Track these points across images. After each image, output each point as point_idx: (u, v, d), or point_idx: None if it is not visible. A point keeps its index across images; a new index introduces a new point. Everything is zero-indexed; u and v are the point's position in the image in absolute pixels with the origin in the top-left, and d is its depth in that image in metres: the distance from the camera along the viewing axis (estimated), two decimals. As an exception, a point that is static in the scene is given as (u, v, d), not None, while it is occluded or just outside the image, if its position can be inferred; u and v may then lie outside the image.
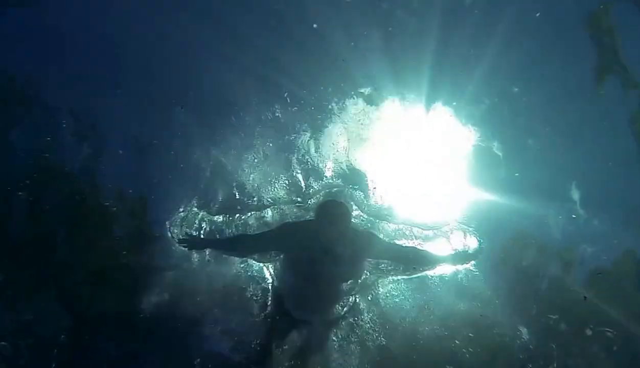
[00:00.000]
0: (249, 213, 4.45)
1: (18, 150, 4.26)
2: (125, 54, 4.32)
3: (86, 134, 4.35)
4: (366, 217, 4.53)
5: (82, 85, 4.34)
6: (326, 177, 4.50)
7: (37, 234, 4.23)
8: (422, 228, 4.53)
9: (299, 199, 4.48)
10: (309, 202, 4.48)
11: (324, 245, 3.52)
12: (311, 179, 4.50)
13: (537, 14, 4.49)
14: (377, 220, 4.52)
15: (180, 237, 4.20)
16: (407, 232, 4.54)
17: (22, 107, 4.32)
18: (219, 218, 4.43)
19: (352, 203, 4.46)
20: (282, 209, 4.50)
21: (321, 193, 4.51)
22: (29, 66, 4.34)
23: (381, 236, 4.24)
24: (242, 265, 4.48)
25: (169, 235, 4.34)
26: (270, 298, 4.42)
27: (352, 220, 3.80)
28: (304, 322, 4.25)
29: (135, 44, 4.28)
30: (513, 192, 4.61)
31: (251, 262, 4.46)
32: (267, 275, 4.48)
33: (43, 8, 4.36)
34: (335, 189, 4.54)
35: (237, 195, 4.46)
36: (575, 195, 4.72)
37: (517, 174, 4.64)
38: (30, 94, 4.32)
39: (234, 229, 4.42)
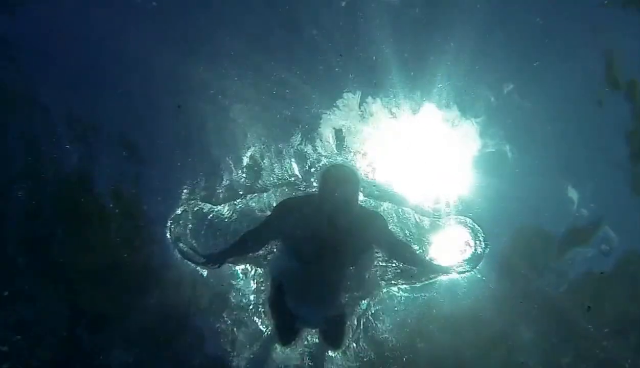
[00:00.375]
0: (249, 196, 4.34)
1: (16, 151, 4.24)
2: (120, 52, 4.28)
3: (84, 133, 4.33)
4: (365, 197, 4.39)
5: (78, 86, 4.34)
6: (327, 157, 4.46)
7: (35, 233, 4.22)
8: (420, 214, 4.46)
9: (298, 183, 4.37)
10: (309, 190, 4.35)
11: (329, 216, 3.07)
12: (310, 165, 4.41)
13: (538, 19, 4.48)
14: (377, 202, 4.39)
15: (184, 246, 4.07)
16: (406, 216, 4.47)
17: (20, 108, 4.31)
18: (220, 208, 4.34)
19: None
20: (281, 191, 4.36)
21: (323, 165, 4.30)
22: (26, 67, 4.32)
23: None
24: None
25: (168, 237, 4.25)
26: (269, 292, 4.05)
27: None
28: (303, 320, 3.89)
29: (131, 43, 4.26)
30: (516, 192, 4.62)
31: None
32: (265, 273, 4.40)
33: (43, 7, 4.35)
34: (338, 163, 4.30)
35: (236, 182, 4.38)
36: (579, 195, 4.73)
37: (517, 170, 4.63)
38: (27, 95, 4.31)
39: (235, 215, 4.30)
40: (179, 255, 4.21)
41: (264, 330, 4.46)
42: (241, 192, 4.34)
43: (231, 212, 4.30)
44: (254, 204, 4.32)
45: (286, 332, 3.99)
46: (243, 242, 3.62)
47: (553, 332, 4.69)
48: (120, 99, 4.29)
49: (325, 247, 3.19)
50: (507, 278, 4.69)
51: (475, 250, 4.45)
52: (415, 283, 4.42)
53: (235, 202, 4.31)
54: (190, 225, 4.24)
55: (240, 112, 4.31)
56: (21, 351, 4.12)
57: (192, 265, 4.26)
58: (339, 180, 3.05)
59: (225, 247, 3.82)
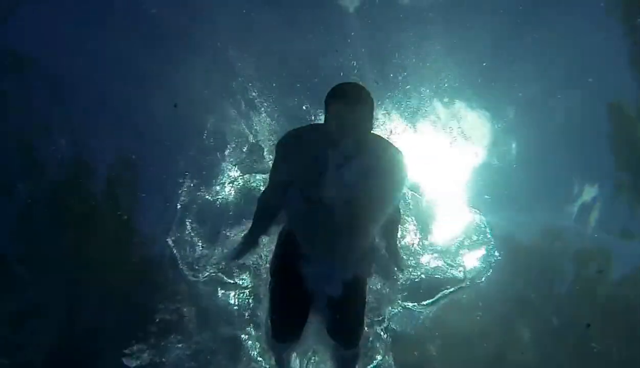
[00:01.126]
0: (256, 175, 4.23)
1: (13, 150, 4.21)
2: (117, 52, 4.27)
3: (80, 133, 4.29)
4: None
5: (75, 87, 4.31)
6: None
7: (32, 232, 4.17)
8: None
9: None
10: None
11: (337, 143, 2.50)
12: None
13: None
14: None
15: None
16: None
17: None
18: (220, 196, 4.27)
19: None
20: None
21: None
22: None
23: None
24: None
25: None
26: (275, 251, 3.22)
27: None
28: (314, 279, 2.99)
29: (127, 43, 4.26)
30: (523, 195, 4.61)
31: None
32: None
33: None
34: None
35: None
36: (586, 196, 4.73)
37: (514, 165, 4.59)
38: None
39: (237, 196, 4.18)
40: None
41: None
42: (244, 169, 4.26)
43: (232, 195, 4.23)
44: (257, 181, 4.19)
45: (289, 311, 3.09)
46: (264, 207, 3.01)
47: (556, 332, 4.63)
48: (117, 98, 4.27)
49: (334, 177, 2.61)
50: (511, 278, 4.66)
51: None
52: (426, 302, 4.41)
53: (236, 183, 4.22)
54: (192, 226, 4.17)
55: (239, 108, 4.30)
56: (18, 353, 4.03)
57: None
58: (349, 96, 2.47)
59: (248, 232, 3.13)
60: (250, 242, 3.07)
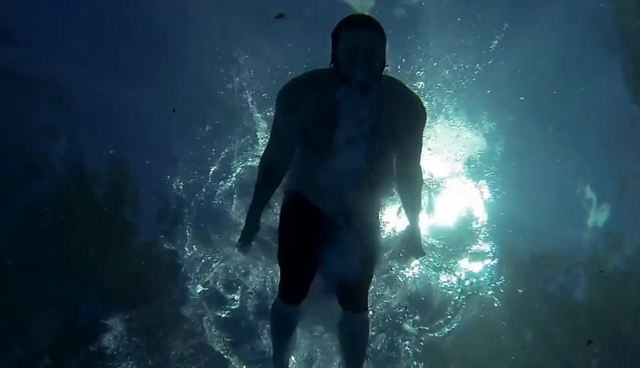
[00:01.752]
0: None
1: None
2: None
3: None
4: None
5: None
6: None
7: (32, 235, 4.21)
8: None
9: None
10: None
11: (350, 79, 2.24)
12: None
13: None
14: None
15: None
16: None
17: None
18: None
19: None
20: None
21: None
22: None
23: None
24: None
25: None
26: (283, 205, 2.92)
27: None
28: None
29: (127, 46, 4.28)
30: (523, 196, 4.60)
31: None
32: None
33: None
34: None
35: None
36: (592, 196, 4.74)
37: (513, 163, 4.58)
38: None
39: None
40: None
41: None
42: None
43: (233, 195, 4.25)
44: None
45: (298, 264, 2.79)
46: (267, 169, 2.71)
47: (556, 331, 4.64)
48: (117, 100, 4.29)
49: (348, 122, 2.34)
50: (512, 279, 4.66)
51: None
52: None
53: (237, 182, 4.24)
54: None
55: (238, 109, 4.31)
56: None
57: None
58: (362, 21, 2.28)
59: (251, 204, 2.82)
60: (257, 210, 2.79)
